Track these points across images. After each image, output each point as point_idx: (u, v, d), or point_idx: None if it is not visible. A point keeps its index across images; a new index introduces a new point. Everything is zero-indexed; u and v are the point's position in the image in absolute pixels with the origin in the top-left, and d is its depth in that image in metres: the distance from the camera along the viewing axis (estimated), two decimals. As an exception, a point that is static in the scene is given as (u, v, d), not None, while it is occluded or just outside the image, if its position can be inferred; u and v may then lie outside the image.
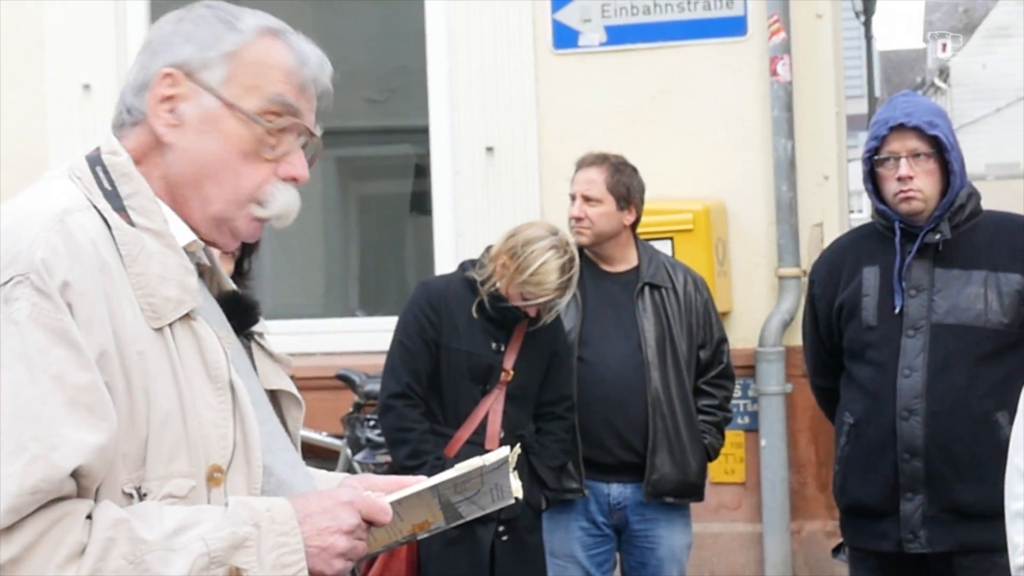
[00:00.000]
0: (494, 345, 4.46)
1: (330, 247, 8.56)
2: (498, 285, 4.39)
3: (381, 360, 4.61)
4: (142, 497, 1.75)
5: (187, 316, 1.84)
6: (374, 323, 6.81)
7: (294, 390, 2.09)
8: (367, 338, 6.59)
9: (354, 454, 6.22)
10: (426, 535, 1.99)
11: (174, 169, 1.90)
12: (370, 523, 1.85)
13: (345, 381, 6.33)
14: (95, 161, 1.91)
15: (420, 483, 1.91)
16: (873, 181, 4.01)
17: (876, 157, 3.97)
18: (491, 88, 6.71)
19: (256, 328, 2.07)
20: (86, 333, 1.71)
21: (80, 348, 1.69)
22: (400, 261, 8.31)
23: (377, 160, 8.64)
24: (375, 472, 6.00)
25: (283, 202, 1.94)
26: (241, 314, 2.03)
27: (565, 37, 6.70)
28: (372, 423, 6.03)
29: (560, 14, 6.70)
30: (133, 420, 1.75)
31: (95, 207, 1.83)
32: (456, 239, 6.73)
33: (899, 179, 3.91)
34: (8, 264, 1.72)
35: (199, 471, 1.80)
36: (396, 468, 4.45)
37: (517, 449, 2.00)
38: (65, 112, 6.95)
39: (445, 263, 6.53)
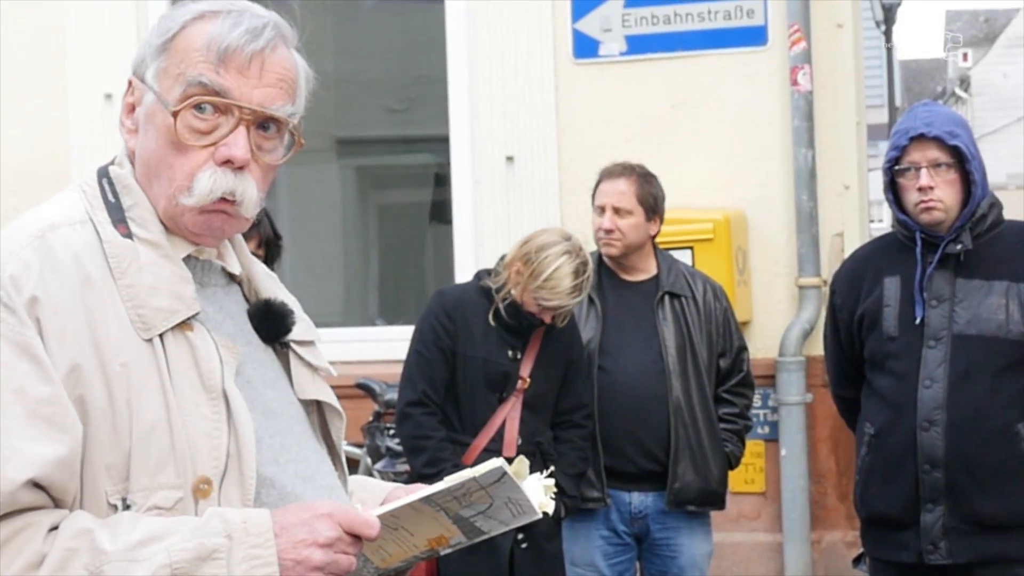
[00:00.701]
0: (510, 353, 4.46)
1: (350, 256, 8.58)
2: (513, 292, 4.39)
3: (401, 369, 4.61)
4: (127, 509, 1.75)
5: (183, 325, 1.83)
6: (394, 332, 6.82)
7: (332, 400, 2.07)
8: (387, 347, 6.59)
9: (374, 463, 6.23)
10: (448, 550, 1.95)
11: (137, 174, 1.92)
12: (357, 536, 1.80)
13: (365, 390, 6.34)
14: (102, 173, 1.93)
15: (410, 495, 1.88)
16: (894, 191, 3.99)
17: (897, 167, 3.95)
18: (511, 97, 6.72)
19: (302, 337, 2.05)
20: (58, 347, 1.72)
21: (42, 362, 1.71)
22: (420, 270, 8.33)
23: (397, 169, 8.66)
24: (395, 481, 6.02)
25: (206, 186, 1.86)
26: (271, 323, 2.01)
27: (585, 46, 6.71)
28: (392, 432, 6.03)
29: (580, 24, 6.71)
30: (116, 432, 1.75)
31: (92, 220, 1.85)
32: (476, 248, 6.74)
33: (920, 189, 3.89)
34: None
35: (186, 483, 1.78)
36: (414, 476, 4.45)
37: (522, 460, 1.94)
38: (87, 121, 6.99)
39: (465, 272, 6.53)
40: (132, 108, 1.92)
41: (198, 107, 1.85)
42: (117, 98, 6.90)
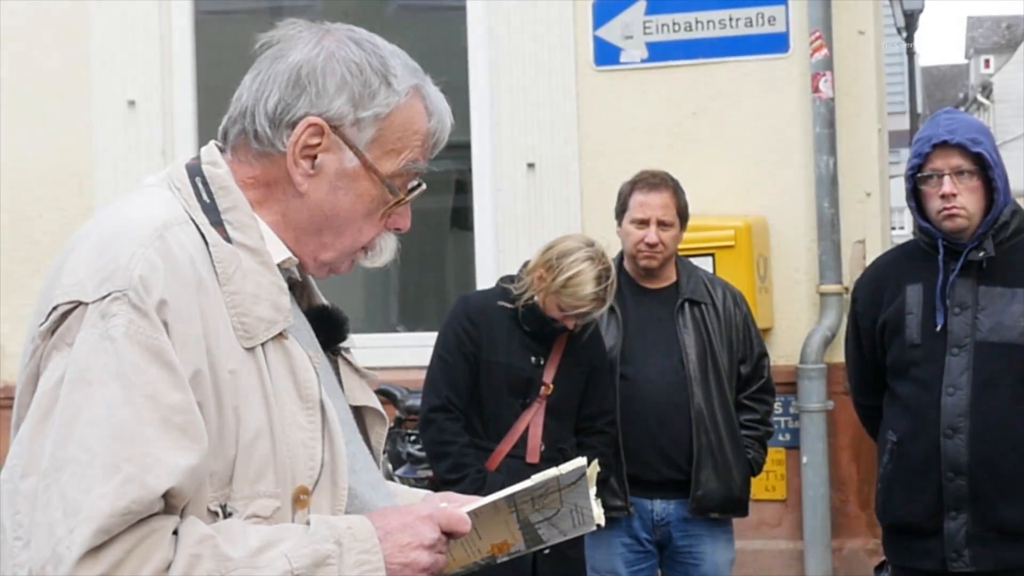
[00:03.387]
0: (533, 359, 4.47)
1: (371, 262, 8.58)
2: (536, 298, 4.40)
3: (422, 375, 4.62)
4: (227, 516, 1.75)
5: (279, 335, 1.83)
6: (415, 338, 6.83)
7: (378, 406, 2.08)
8: (408, 353, 6.60)
9: (395, 469, 6.24)
10: (506, 558, 1.96)
11: (300, 215, 1.90)
12: (449, 535, 1.84)
13: (386, 396, 6.34)
14: (195, 171, 1.89)
15: (497, 494, 1.90)
16: (916, 198, 3.99)
17: (919, 174, 3.94)
18: (532, 104, 6.73)
19: (343, 344, 2.05)
20: (181, 352, 1.70)
21: (175, 368, 1.69)
22: (441, 277, 8.34)
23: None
24: (416, 488, 6.03)
25: (389, 253, 1.97)
26: (330, 330, 2.01)
27: (606, 54, 6.72)
28: (413, 438, 6.04)
29: (602, 31, 6.72)
30: (222, 439, 1.74)
31: (193, 220, 1.82)
32: (497, 255, 6.74)
33: (942, 196, 3.88)
34: (106, 279, 1.71)
35: (285, 492, 1.79)
36: (437, 482, 4.46)
37: (595, 466, 1.97)
38: (110, 128, 7.02)
39: (486, 279, 6.54)
40: (308, 148, 1.87)
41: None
42: (140, 105, 6.97)
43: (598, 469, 1.98)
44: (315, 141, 1.87)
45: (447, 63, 7.14)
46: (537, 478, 1.89)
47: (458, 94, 6.89)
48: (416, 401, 5.80)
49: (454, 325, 4.49)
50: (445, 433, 4.40)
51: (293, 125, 1.87)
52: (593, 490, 1.95)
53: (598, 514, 1.97)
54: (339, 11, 7.56)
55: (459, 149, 7.02)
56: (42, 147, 7.07)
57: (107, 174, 6.96)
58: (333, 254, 1.93)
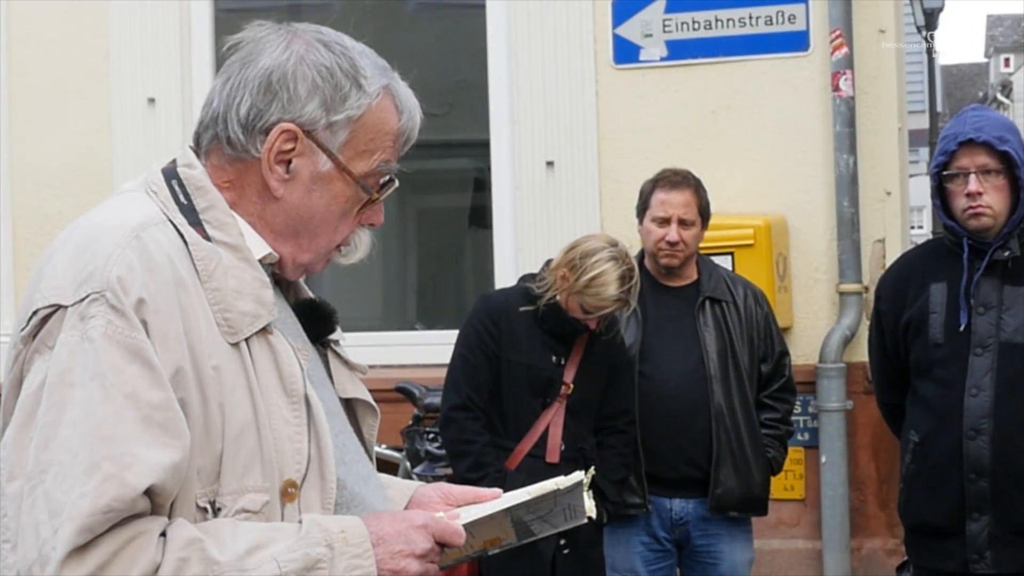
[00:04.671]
0: (554, 358, 4.46)
1: (389, 260, 8.60)
2: (558, 298, 4.39)
3: (440, 373, 4.62)
4: (216, 511, 1.76)
5: (264, 330, 1.84)
6: (433, 336, 6.83)
7: (369, 398, 2.09)
8: (426, 351, 6.61)
9: (413, 467, 6.23)
10: (497, 551, 1.99)
11: (276, 219, 1.92)
12: (443, 545, 1.85)
13: (405, 394, 6.34)
14: (171, 174, 1.91)
15: (495, 505, 1.91)
16: (941, 196, 3.96)
17: (945, 173, 3.92)
18: (551, 102, 6.72)
19: (332, 336, 2.07)
20: (161, 350, 1.72)
21: (154, 366, 1.70)
22: (459, 275, 8.34)
23: (437, 174, 8.68)
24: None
25: (364, 249, 1.99)
26: (318, 323, 2.03)
27: (626, 52, 6.70)
28: (431, 436, 6.04)
29: (621, 29, 6.70)
30: (208, 435, 1.75)
31: (171, 221, 1.84)
32: (516, 253, 6.74)
33: (968, 195, 3.86)
34: (84, 281, 1.73)
35: (273, 486, 1.80)
36: (457, 480, 4.45)
37: (591, 471, 2.01)
38: (130, 125, 7.04)
39: (504, 277, 6.54)
40: (282, 153, 1.89)
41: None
42: (160, 102, 6.98)
43: (592, 474, 2.03)
44: (289, 146, 1.88)
45: (466, 61, 7.15)
46: (535, 491, 1.91)
47: (477, 92, 6.90)
48: (434, 399, 5.80)
49: (475, 324, 4.49)
50: (466, 432, 4.40)
51: (266, 131, 1.88)
52: (585, 486, 1.99)
53: (589, 507, 1.99)
54: (359, 9, 7.57)
55: (478, 147, 7.02)
56: (62, 144, 7.09)
57: (127, 171, 6.97)
58: (310, 255, 1.95)
